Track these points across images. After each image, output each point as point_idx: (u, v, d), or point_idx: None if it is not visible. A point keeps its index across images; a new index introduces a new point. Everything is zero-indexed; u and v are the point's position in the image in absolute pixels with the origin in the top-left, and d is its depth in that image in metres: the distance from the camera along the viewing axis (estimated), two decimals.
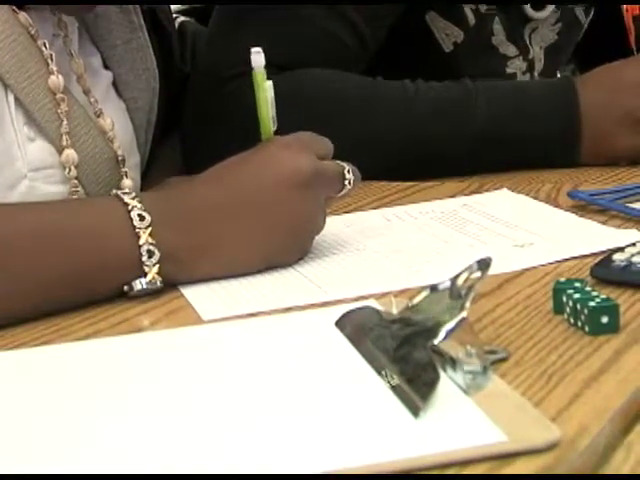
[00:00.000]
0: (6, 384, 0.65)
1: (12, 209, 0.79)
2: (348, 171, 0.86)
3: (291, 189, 0.82)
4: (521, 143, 1.13)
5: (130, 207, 0.78)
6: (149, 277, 0.78)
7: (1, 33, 0.88)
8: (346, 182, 0.86)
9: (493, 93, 1.13)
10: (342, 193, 0.87)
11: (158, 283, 0.78)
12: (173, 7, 1.24)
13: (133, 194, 0.79)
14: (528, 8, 1.27)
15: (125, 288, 0.78)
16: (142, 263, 0.77)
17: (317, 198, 0.84)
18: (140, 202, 0.78)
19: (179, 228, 0.80)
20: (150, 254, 0.78)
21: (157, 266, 0.78)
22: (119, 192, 0.80)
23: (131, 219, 0.78)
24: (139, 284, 0.78)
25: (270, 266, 0.83)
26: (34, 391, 0.63)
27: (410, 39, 1.23)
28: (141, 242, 0.77)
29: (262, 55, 0.85)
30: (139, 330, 0.73)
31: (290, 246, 0.84)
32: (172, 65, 1.12)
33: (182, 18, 1.32)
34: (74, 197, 0.91)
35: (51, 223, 0.78)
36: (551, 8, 1.28)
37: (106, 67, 1.00)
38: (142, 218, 0.78)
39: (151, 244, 0.77)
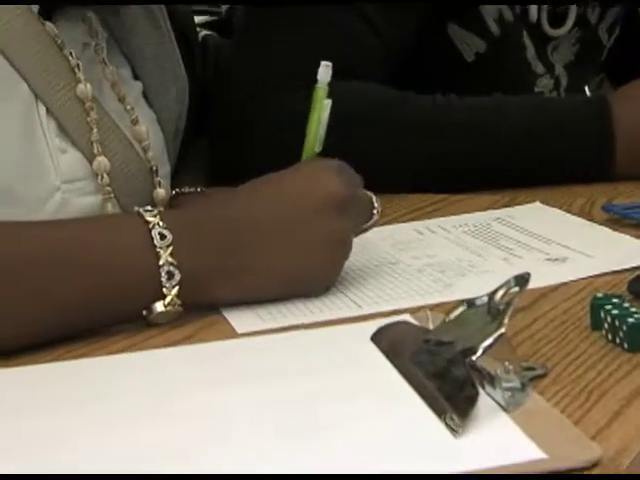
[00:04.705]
0: (42, 395, 0.65)
1: (19, 227, 0.76)
2: (376, 200, 0.85)
3: (328, 212, 0.79)
4: (552, 159, 1.12)
5: (151, 225, 0.75)
6: (168, 299, 0.75)
7: (30, 45, 0.88)
8: (374, 212, 0.85)
9: (525, 108, 1.13)
10: (369, 223, 0.84)
11: (177, 306, 0.75)
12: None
13: (155, 211, 0.77)
14: (545, 25, 1.26)
15: (144, 312, 0.76)
16: (161, 285, 0.75)
17: (351, 225, 0.81)
18: (162, 219, 0.76)
19: (201, 248, 0.77)
20: (170, 275, 0.75)
21: (176, 288, 0.75)
22: (141, 209, 0.77)
23: (152, 237, 0.75)
24: (158, 307, 0.75)
25: (294, 295, 0.79)
26: (72, 402, 0.63)
27: (433, 48, 1.23)
28: (161, 262, 0.74)
29: (330, 70, 0.82)
30: (174, 343, 0.73)
31: (318, 274, 0.80)
32: (195, 75, 1.12)
33: (205, 32, 1.32)
34: (106, 209, 0.91)
35: (66, 241, 0.75)
36: (569, 26, 1.27)
37: (135, 78, 1.01)
38: (163, 237, 0.75)
39: (171, 264, 0.74)
